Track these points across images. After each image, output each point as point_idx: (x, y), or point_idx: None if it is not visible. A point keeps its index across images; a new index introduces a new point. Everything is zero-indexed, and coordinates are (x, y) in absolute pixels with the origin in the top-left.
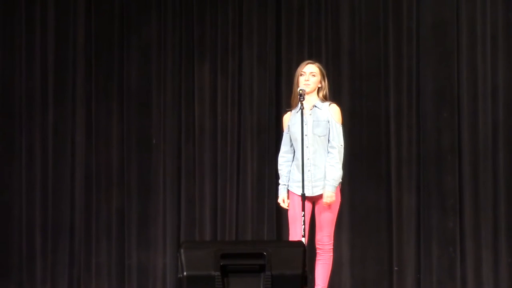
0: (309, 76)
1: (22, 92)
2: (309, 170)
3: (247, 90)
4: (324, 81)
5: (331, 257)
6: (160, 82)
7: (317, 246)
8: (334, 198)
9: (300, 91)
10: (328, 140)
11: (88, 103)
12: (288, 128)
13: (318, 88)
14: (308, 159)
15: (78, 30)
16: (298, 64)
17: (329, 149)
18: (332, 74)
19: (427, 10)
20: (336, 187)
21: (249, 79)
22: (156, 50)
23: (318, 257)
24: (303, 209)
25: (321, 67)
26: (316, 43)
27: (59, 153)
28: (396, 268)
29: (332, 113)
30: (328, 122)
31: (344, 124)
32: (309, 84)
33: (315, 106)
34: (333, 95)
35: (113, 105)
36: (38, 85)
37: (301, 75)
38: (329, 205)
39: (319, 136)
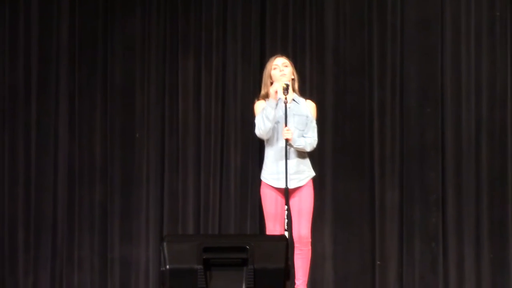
0: (283, 67)
1: (5, 86)
2: (288, 163)
3: (231, 85)
4: (295, 73)
5: (310, 251)
6: (144, 76)
7: (295, 240)
8: (290, 136)
9: (285, 85)
10: (303, 136)
11: (72, 97)
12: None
13: (292, 80)
14: (288, 152)
15: (62, 24)
16: None
17: (305, 135)
18: (316, 70)
19: (412, 7)
20: (296, 146)
21: (233, 74)
22: (140, 44)
23: (296, 251)
24: (287, 203)
25: (289, 59)
26: (300, 39)
27: (42, 147)
28: (378, 263)
29: (310, 109)
30: (307, 117)
31: (328, 120)
32: (285, 74)
33: (294, 100)
34: (316, 91)
35: (96, 99)
36: (21, 79)
37: (274, 69)
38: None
39: (300, 130)
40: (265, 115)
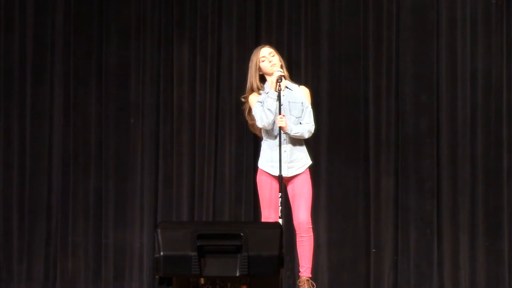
0: (271, 57)
1: (0, 71)
2: (285, 151)
3: (226, 71)
4: (281, 58)
5: (312, 237)
6: (139, 62)
7: (296, 227)
8: (283, 124)
9: (278, 77)
10: (300, 123)
11: (66, 82)
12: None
13: (281, 66)
14: (284, 139)
15: (57, 9)
16: (277, 45)
17: (301, 122)
18: (311, 57)
19: None
20: (294, 134)
21: (228, 61)
22: (135, 30)
23: (298, 239)
24: (280, 191)
25: (272, 46)
26: (296, 25)
27: (36, 132)
28: (373, 250)
29: (304, 95)
30: (302, 103)
31: (323, 107)
32: (275, 64)
33: (287, 87)
34: (312, 77)
35: (91, 85)
36: (16, 64)
37: (262, 61)
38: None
39: (296, 118)
40: (267, 107)
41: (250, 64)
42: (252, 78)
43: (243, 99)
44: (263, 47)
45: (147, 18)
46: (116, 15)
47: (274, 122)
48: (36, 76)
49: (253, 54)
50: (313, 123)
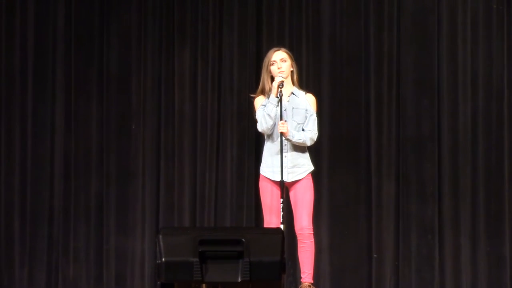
0: (281, 63)
1: (1, 76)
2: (285, 156)
3: (228, 75)
4: (294, 64)
5: (313, 243)
6: (140, 66)
7: (297, 233)
8: (285, 130)
9: (279, 82)
10: (303, 129)
11: (68, 88)
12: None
13: (291, 72)
14: (285, 145)
15: (58, 14)
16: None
17: (304, 129)
18: (312, 60)
19: None
20: (295, 140)
21: (229, 64)
22: (136, 34)
23: (300, 244)
24: (282, 196)
25: (288, 51)
26: (297, 29)
27: (38, 138)
28: (375, 256)
29: (310, 102)
30: (306, 110)
31: (324, 111)
32: (283, 71)
33: (293, 93)
34: (313, 81)
35: (92, 90)
36: (18, 69)
37: (271, 64)
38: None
39: (298, 124)
40: (266, 113)
41: (263, 64)
42: (264, 80)
43: (252, 98)
44: (277, 50)
45: (148, 23)
46: (117, 20)
47: (274, 127)
48: (37, 81)
49: (266, 55)
50: (316, 131)
